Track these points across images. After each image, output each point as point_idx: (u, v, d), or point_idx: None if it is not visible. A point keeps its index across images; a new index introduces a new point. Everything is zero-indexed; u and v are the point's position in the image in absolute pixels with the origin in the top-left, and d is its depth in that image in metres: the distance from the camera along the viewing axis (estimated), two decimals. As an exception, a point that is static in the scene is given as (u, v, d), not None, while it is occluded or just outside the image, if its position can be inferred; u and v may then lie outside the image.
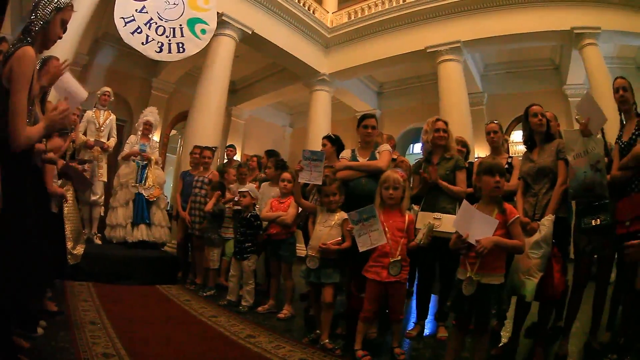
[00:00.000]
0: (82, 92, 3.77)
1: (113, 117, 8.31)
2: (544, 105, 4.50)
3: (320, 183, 4.71)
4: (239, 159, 11.76)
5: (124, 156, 8.03)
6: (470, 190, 4.41)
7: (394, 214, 4.10)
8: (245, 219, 5.85)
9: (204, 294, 6.37)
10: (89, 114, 7.95)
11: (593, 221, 3.82)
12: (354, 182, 4.68)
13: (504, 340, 4.43)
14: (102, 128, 7.99)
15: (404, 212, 4.15)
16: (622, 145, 3.95)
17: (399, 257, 3.92)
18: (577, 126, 4.30)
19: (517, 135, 12.96)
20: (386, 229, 4.00)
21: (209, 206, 6.52)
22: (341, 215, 4.43)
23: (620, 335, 3.85)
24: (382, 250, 3.98)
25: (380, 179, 4.19)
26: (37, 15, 2.64)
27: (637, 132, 3.83)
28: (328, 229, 4.40)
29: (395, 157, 5.79)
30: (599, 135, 4.04)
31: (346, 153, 5.08)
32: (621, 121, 4.18)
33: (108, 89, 8.22)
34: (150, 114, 8.47)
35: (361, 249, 3.99)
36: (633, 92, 4.04)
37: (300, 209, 5.48)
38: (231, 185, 6.86)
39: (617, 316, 4.33)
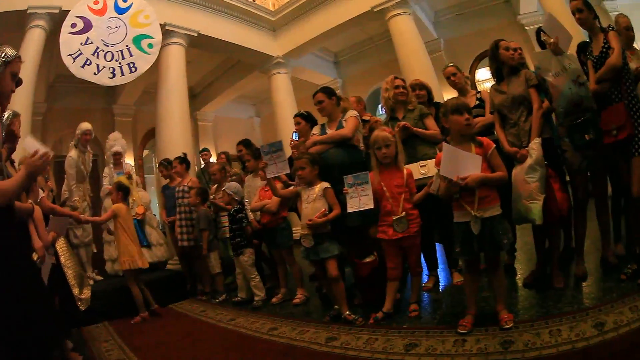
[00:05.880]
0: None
1: (91, 155, 8.03)
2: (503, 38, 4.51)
3: (288, 171, 4.85)
4: (215, 161, 11.64)
5: (107, 192, 7.68)
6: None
7: (390, 171, 4.13)
8: (230, 214, 5.89)
9: (216, 300, 6.36)
10: (75, 159, 7.47)
11: (587, 136, 3.85)
12: (323, 154, 4.73)
13: (520, 272, 4.57)
14: (88, 173, 7.71)
15: (401, 167, 4.17)
16: (595, 60, 3.98)
17: (403, 214, 3.95)
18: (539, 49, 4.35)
19: (482, 74, 13.01)
20: (384, 188, 4.06)
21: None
22: (321, 185, 4.45)
23: (634, 245, 3.93)
24: (384, 210, 4.05)
25: (370, 141, 4.22)
26: None
27: (606, 46, 3.85)
28: (312, 204, 4.42)
29: (367, 118, 5.81)
30: (570, 52, 4.05)
31: (316, 129, 5.16)
32: (590, 37, 4.19)
33: (89, 126, 7.73)
34: (116, 142, 8.28)
35: (349, 210, 4.13)
36: (591, 8, 4.03)
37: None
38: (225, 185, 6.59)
39: (622, 227, 4.42)
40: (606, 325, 2.79)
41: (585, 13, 3.99)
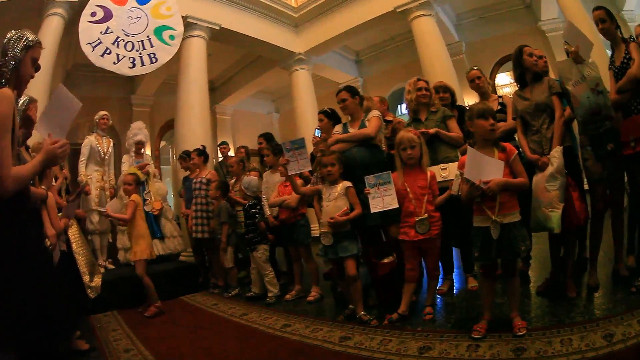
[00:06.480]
0: (76, 103, 3.18)
1: (111, 143, 8.13)
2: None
3: (310, 168, 4.83)
4: (233, 155, 11.67)
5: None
6: None
7: (414, 172, 4.15)
8: (244, 209, 5.90)
9: (229, 294, 6.38)
10: (92, 140, 7.75)
11: (608, 146, 3.85)
12: (346, 152, 4.73)
13: (533, 279, 4.57)
14: (106, 157, 7.82)
15: (425, 169, 4.18)
16: (616, 70, 3.99)
17: (425, 215, 3.97)
18: (561, 57, 4.33)
19: (501, 78, 13.01)
20: (408, 189, 4.08)
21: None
22: (343, 184, 4.45)
23: None
24: (406, 211, 4.07)
25: (396, 142, 4.23)
26: (7, 56, 2.48)
27: (627, 56, 3.87)
28: (333, 202, 4.41)
29: (391, 119, 5.83)
30: (591, 60, 4.03)
31: (338, 128, 5.15)
32: (612, 47, 4.19)
33: (105, 112, 8.02)
34: (139, 131, 8.34)
35: (372, 210, 4.13)
36: (613, 18, 4.04)
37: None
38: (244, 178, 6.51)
39: (636, 239, 4.40)
40: (615, 336, 2.82)
41: (608, 23, 4.01)
